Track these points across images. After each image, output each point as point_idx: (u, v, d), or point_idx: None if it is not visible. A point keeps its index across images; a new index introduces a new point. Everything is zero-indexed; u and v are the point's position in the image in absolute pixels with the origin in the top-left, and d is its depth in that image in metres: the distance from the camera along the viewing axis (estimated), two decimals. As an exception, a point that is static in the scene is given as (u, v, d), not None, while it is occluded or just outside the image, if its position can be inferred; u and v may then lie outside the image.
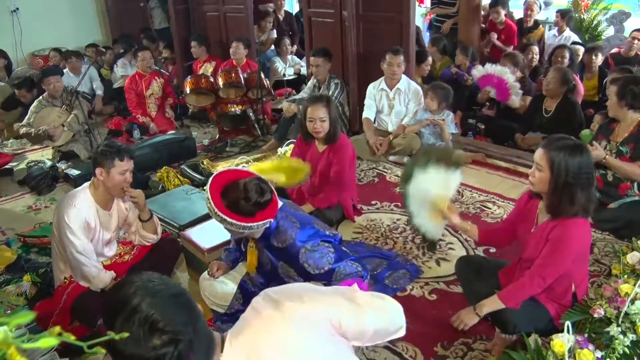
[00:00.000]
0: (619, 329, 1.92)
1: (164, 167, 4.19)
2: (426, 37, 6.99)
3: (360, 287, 1.43)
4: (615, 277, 2.29)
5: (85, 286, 2.52)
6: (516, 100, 4.60)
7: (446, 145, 3.99)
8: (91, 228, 2.50)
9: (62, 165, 4.48)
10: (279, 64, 6.53)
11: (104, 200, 2.56)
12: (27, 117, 4.71)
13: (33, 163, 4.49)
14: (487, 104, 4.95)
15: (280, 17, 7.34)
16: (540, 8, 6.58)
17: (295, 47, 6.97)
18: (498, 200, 3.59)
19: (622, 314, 1.96)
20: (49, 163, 4.46)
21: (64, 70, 5.82)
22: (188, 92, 5.04)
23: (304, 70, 6.39)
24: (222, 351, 1.18)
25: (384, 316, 1.37)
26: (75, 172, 4.23)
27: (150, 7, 8.00)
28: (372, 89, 4.45)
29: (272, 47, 6.94)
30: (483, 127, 4.83)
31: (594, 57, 4.98)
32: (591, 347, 1.81)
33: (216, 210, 1.99)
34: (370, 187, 3.93)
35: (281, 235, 2.13)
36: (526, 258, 2.15)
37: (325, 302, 1.29)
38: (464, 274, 2.43)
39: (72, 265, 2.49)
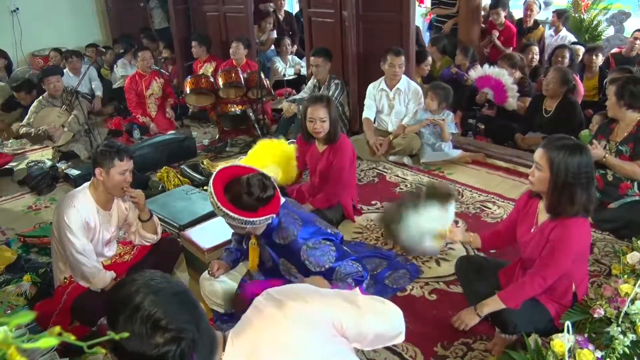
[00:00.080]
0: (619, 329, 1.92)
1: (164, 167, 4.19)
2: (426, 37, 7.00)
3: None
4: (615, 277, 2.29)
5: (85, 286, 2.52)
6: (513, 103, 4.60)
7: (432, 182, 3.84)
8: (91, 228, 2.50)
9: (62, 165, 4.48)
10: (279, 64, 6.53)
11: (104, 201, 2.55)
12: (27, 117, 4.71)
13: (33, 163, 4.49)
14: (486, 104, 4.95)
15: (280, 17, 7.35)
16: (540, 8, 6.59)
17: (295, 47, 6.98)
18: (498, 200, 3.59)
19: (622, 314, 1.96)
20: (49, 163, 4.46)
21: (64, 70, 5.82)
22: (188, 92, 5.03)
23: (304, 71, 6.39)
24: (224, 350, 1.18)
25: (384, 320, 1.37)
26: (75, 172, 4.23)
27: (150, 7, 8.01)
28: (372, 89, 4.45)
29: (272, 47, 6.94)
30: (483, 127, 4.83)
31: (594, 57, 4.98)
32: (591, 347, 1.81)
33: (219, 204, 2.00)
34: (370, 187, 3.93)
35: (283, 231, 2.13)
36: (526, 258, 2.15)
37: (327, 303, 1.29)
38: (464, 273, 2.43)
39: (72, 266, 2.48)
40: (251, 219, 2.01)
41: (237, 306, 2.33)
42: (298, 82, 6.41)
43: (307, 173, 3.55)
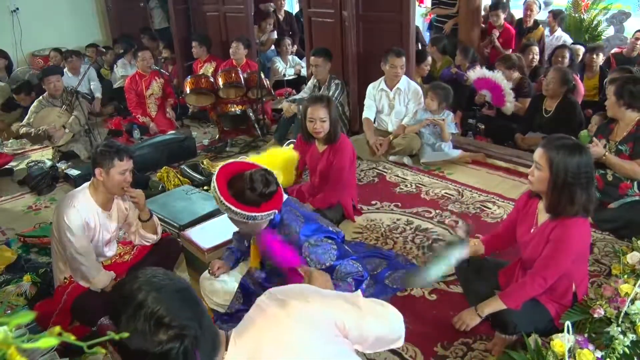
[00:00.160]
0: (619, 329, 1.92)
1: (164, 167, 4.19)
2: (426, 37, 7.00)
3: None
4: (615, 277, 2.29)
5: (85, 286, 2.52)
6: (510, 107, 4.60)
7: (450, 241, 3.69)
8: (91, 228, 2.50)
9: (62, 165, 4.48)
10: (279, 64, 6.53)
11: (104, 201, 2.55)
12: (27, 117, 4.71)
13: (33, 163, 4.49)
14: (486, 104, 4.95)
15: (280, 17, 7.35)
16: (540, 8, 6.59)
17: (295, 47, 6.98)
18: (498, 200, 3.59)
19: (622, 314, 1.96)
20: (49, 163, 4.46)
21: (64, 70, 5.82)
22: (188, 92, 5.04)
23: (304, 71, 6.39)
24: (226, 349, 1.18)
25: (384, 323, 1.37)
26: (75, 172, 4.23)
27: (150, 7, 8.01)
28: (371, 89, 4.45)
29: (272, 47, 6.94)
30: (483, 127, 4.83)
31: (595, 57, 4.99)
32: (591, 347, 1.81)
33: (222, 199, 2.01)
34: (370, 187, 3.93)
35: (285, 228, 2.14)
36: (526, 258, 2.15)
37: (328, 304, 1.30)
38: (463, 274, 2.43)
39: (72, 266, 2.48)
40: (253, 214, 2.02)
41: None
42: (298, 82, 6.41)
43: (307, 173, 3.55)
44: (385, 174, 4.15)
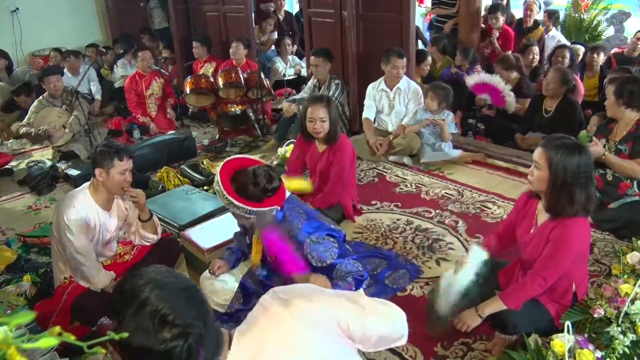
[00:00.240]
0: (619, 329, 1.92)
1: (164, 167, 4.19)
2: (426, 37, 7.00)
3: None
4: (615, 277, 2.29)
5: (85, 286, 2.52)
6: (512, 102, 4.59)
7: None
8: (91, 228, 2.50)
9: (62, 165, 4.48)
10: (279, 64, 6.53)
11: (104, 201, 2.55)
12: (27, 117, 4.71)
13: (33, 163, 4.49)
14: (486, 105, 4.95)
15: (281, 17, 7.35)
16: (540, 8, 6.59)
17: (295, 47, 6.98)
18: (498, 200, 3.59)
19: (622, 314, 1.96)
20: (49, 163, 4.46)
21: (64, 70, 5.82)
22: (188, 92, 5.04)
23: (304, 71, 6.39)
24: (229, 349, 1.18)
25: (387, 322, 1.37)
26: (75, 172, 4.23)
27: (150, 7, 8.00)
28: (371, 89, 4.45)
29: (273, 47, 6.94)
30: (483, 127, 4.83)
31: (596, 56, 4.98)
32: (591, 347, 1.81)
33: (225, 193, 2.02)
34: (370, 187, 3.93)
35: (287, 225, 2.15)
36: (526, 259, 2.15)
37: (331, 303, 1.30)
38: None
39: (72, 266, 2.48)
40: (255, 209, 2.03)
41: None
42: (298, 82, 6.41)
43: (307, 173, 3.55)
44: (385, 174, 4.15)
